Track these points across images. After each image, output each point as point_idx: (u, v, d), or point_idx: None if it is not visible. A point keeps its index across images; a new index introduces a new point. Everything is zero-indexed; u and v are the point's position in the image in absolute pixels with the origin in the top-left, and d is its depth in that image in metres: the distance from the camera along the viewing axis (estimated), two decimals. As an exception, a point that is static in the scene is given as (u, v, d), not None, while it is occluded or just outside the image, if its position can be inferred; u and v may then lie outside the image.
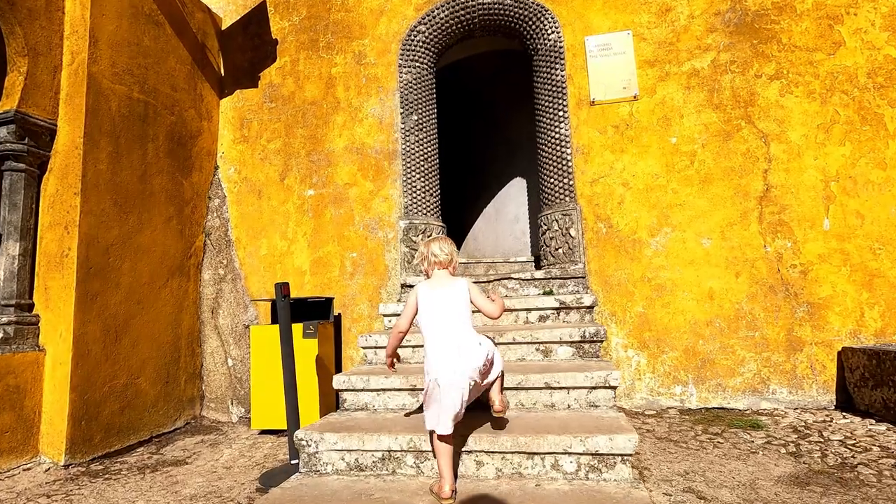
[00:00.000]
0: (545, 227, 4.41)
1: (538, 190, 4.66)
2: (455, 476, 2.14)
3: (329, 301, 4.35)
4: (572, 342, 3.17)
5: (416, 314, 2.26)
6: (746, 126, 4.06)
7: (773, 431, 3.16)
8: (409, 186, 4.65)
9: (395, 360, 2.46)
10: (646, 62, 4.32)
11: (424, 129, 4.78)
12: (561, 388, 2.69)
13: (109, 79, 3.84)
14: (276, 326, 3.92)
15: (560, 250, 4.26)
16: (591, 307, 3.63)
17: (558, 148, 4.39)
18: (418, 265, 2.42)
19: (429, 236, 4.59)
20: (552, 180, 4.41)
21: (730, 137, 4.08)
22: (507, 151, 6.22)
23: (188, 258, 4.61)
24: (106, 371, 3.63)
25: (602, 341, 3.16)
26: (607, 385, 2.66)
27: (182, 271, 4.51)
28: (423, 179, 4.69)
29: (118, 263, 3.81)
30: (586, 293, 4.06)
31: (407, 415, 2.76)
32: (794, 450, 2.83)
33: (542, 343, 3.21)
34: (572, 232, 4.20)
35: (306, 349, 3.97)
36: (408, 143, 4.71)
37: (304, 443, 2.49)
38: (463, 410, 2.09)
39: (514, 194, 6.05)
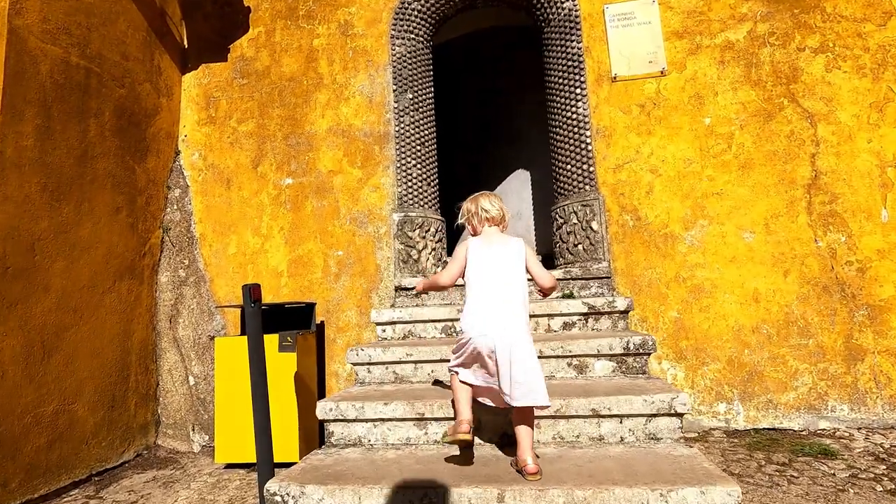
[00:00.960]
0: (561, 221, 3.84)
1: (551, 178, 4.09)
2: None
3: (310, 307, 3.69)
4: (613, 355, 2.59)
5: (463, 269, 2.02)
6: (790, 105, 3.58)
7: (851, 460, 2.63)
8: (404, 174, 4.03)
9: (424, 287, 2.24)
10: (673, 33, 3.81)
11: (421, 110, 4.17)
12: (612, 417, 2.11)
13: (39, 37, 3.13)
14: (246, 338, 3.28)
15: (580, 246, 3.69)
16: (625, 312, 3.07)
17: (576, 130, 3.83)
18: (463, 222, 2.14)
19: (427, 231, 3.98)
20: (569, 167, 3.85)
21: (771, 118, 3.58)
22: (508, 141, 5.66)
23: (141, 257, 3.89)
24: (29, 396, 2.90)
25: (650, 353, 2.59)
26: (672, 412, 2.09)
27: (134, 273, 3.79)
28: (419, 166, 4.08)
29: (47, 263, 3.08)
30: (614, 295, 3.50)
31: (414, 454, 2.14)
32: (894, 487, 2.30)
33: (575, 356, 2.62)
34: (594, 225, 3.65)
35: (283, 365, 3.30)
36: (402, 125, 4.09)
37: (278, 499, 1.84)
38: (504, 378, 1.85)
39: (517, 188, 5.50)
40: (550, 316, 3.11)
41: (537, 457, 1.85)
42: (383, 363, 2.81)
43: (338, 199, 4.07)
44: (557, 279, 3.58)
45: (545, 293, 2.05)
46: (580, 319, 3.09)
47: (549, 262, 4.93)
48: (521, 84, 5.56)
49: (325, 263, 3.99)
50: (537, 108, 5.39)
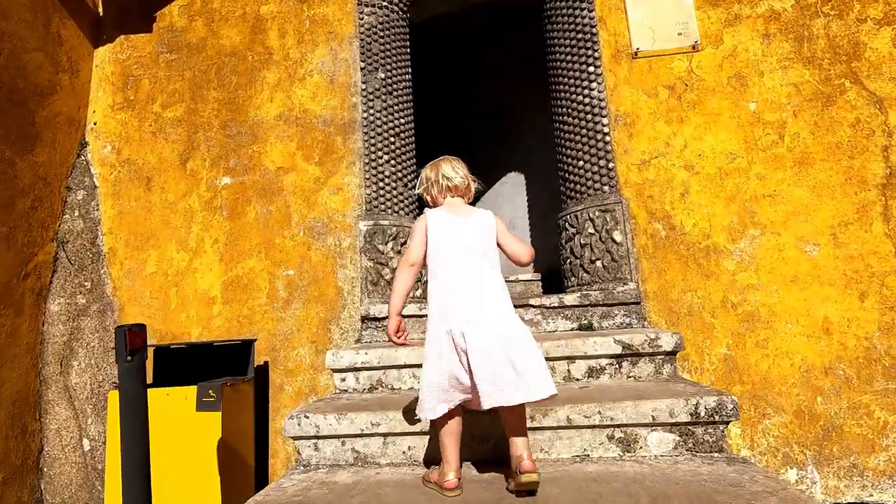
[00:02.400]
0: (573, 231, 3.05)
1: (556, 178, 3.31)
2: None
3: (248, 345, 2.78)
4: (674, 424, 1.78)
5: (426, 243, 1.66)
6: (852, 87, 2.88)
7: None
8: (374, 172, 3.18)
9: (402, 325, 1.75)
10: (707, 1, 3.10)
11: (395, 93, 3.35)
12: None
13: None
14: (157, 390, 2.37)
15: (599, 263, 2.89)
16: (672, 353, 2.26)
17: (589, 117, 3.06)
18: (421, 193, 1.80)
19: (403, 243, 3.12)
20: (581, 163, 3.07)
21: (831, 102, 2.88)
22: (497, 138, 4.89)
23: (21, 280, 2.92)
24: None
25: (729, 421, 1.77)
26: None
27: (9, 300, 2.82)
28: (393, 162, 3.24)
29: None
30: (656, 331, 2.71)
31: None
32: None
33: (617, 426, 1.79)
34: (617, 236, 2.86)
35: (203, 429, 2.39)
36: (372, 111, 3.26)
37: None
38: (485, 387, 1.48)
39: (510, 193, 4.71)
40: (570, 359, 2.28)
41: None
42: (338, 437, 1.92)
43: (289, 203, 3.19)
44: (573, 306, 2.77)
45: (520, 265, 1.76)
46: (611, 363, 2.27)
47: (553, 281, 4.13)
48: (512, 72, 4.80)
49: (271, 286, 3.09)
50: (532, 100, 4.65)
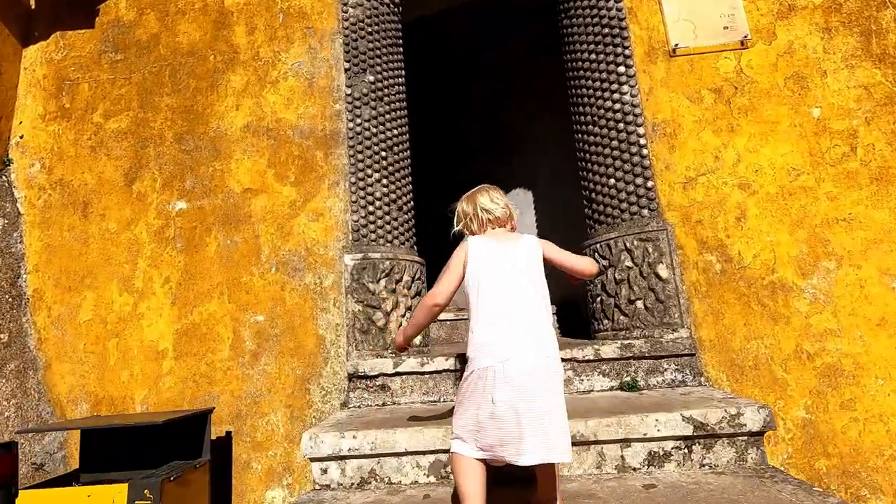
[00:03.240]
0: (603, 263, 2.52)
1: (570, 193, 2.79)
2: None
3: (203, 418, 2.17)
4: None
5: (462, 278, 1.46)
6: (933, 89, 2.42)
7: None
8: (363, 194, 2.63)
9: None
10: (754, -10, 2.63)
11: (387, 98, 2.81)
12: None
13: None
14: (76, 490, 1.81)
15: (639, 303, 2.36)
16: (759, 434, 1.72)
17: (620, 125, 2.55)
18: (461, 229, 1.59)
19: (399, 280, 2.56)
20: (610, 181, 2.55)
21: (909, 107, 2.41)
22: (498, 151, 4.37)
23: (-89, 336, 2.29)
24: None
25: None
26: None
27: None
28: (385, 181, 2.69)
29: None
30: (705, 384, 2.18)
31: None
32: None
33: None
34: (662, 271, 2.33)
35: (136, 543, 1.78)
36: (359, 120, 2.71)
37: None
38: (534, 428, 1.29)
39: (528, 206, 4.19)
40: (625, 442, 1.73)
41: None
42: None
43: (258, 232, 2.61)
44: (611, 359, 2.23)
45: (586, 277, 1.57)
46: (679, 447, 1.73)
47: (569, 315, 3.60)
48: (514, 80, 4.30)
49: (235, 336, 2.50)
50: (539, 111, 4.15)
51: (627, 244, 2.42)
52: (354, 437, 1.81)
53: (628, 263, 2.41)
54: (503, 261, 1.43)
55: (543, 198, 4.06)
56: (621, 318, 2.42)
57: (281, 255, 2.57)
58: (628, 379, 2.22)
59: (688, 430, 1.71)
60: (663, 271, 2.33)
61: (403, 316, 2.54)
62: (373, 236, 2.61)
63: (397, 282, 2.56)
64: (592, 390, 2.24)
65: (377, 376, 2.34)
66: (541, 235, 3.71)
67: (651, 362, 2.23)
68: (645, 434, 1.72)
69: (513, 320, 1.36)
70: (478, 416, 1.31)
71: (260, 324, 2.50)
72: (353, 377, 2.36)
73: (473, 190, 1.61)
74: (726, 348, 2.26)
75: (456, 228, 1.61)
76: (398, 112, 2.87)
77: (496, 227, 1.54)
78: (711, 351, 2.26)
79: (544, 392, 1.29)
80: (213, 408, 2.26)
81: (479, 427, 1.31)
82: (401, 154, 2.83)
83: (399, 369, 2.32)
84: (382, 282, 2.51)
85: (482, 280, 1.42)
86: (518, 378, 1.29)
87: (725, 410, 1.72)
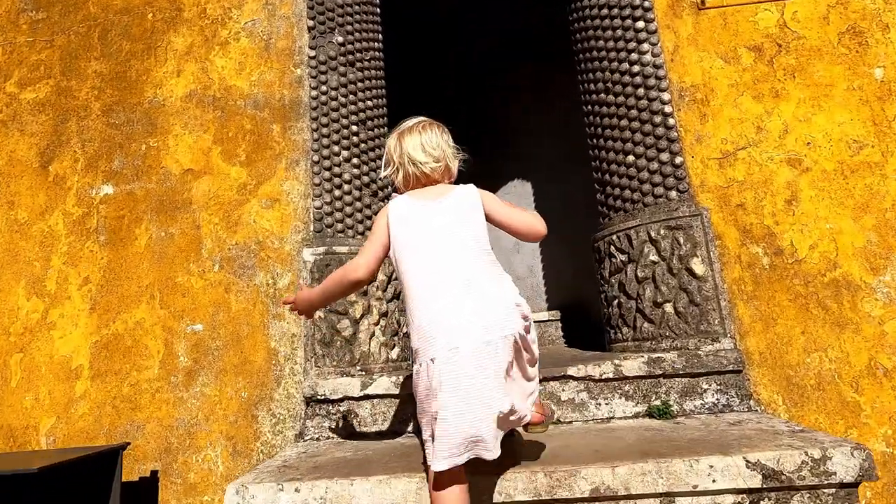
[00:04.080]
0: (621, 257, 2.06)
1: (593, 179, 2.33)
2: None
3: (113, 456, 1.68)
4: None
5: (386, 248, 1.23)
6: None
7: None
8: (328, 175, 2.16)
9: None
10: (796, -69, 2.19)
11: (359, 64, 2.35)
12: None
13: None
14: None
15: (669, 307, 1.89)
16: (853, 485, 1.25)
17: (640, 91, 2.10)
18: (389, 175, 1.32)
19: (372, 280, 2.09)
20: (628, 157, 2.10)
21: None
22: (493, 139, 3.91)
23: None
24: None
25: None
26: None
27: None
28: (356, 161, 2.22)
29: None
30: (756, 408, 1.71)
31: None
32: None
33: None
34: (696, 266, 1.87)
35: None
36: (325, 87, 2.25)
37: None
38: (493, 432, 1.07)
39: (511, 195, 3.73)
40: (667, 497, 1.25)
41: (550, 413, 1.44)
42: None
43: (199, 222, 2.13)
44: (637, 377, 1.76)
45: (532, 238, 1.27)
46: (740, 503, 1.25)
47: (575, 320, 3.13)
48: (506, 55, 3.85)
49: (167, 349, 2.01)
50: (536, 91, 3.70)
51: (652, 234, 1.96)
52: (297, 489, 1.33)
53: (653, 257, 1.95)
54: (431, 219, 1.18)
55: (541, 193, 3.59)
56: (645, 325, 1.95)
57: (226, 249, 2.10)
58: (658, 403, 1.75)
59: (754, 481, 1.24)
60: (698, 266, 1.87)
61: (377, 324, 2.07)
62: (340, 227, 2.14)
63: (370, 282, 2.08)
64: (613, 417, 1.76)
65: (341, 400, 1.86)
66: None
67: (686, 381, 1.77)
68: (695, 486, 1.24)
69: (445, 289, 1.11)
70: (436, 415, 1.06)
71: (198, 334, 2.01)
72: (311, 401, 1.88)
73: (406, 124, 1.29)
74: (781, 363, 1.79)
75: (384, 173, 1.33)
76: (373, 81, 2.41)
77: (423, 185, 1.26)
78: (762, 366, 1.80)
79: (479, 367, 1.06)
80: (127, 444, 1.76)
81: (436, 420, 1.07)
82: (377, 130, 2.36)
83: (368, 391, 1.85)
84: (350, 282, 2.03)
85: (408, 246, 1.17)
86: (465, 369, 1.06)
87: (805, 453, 1.25)
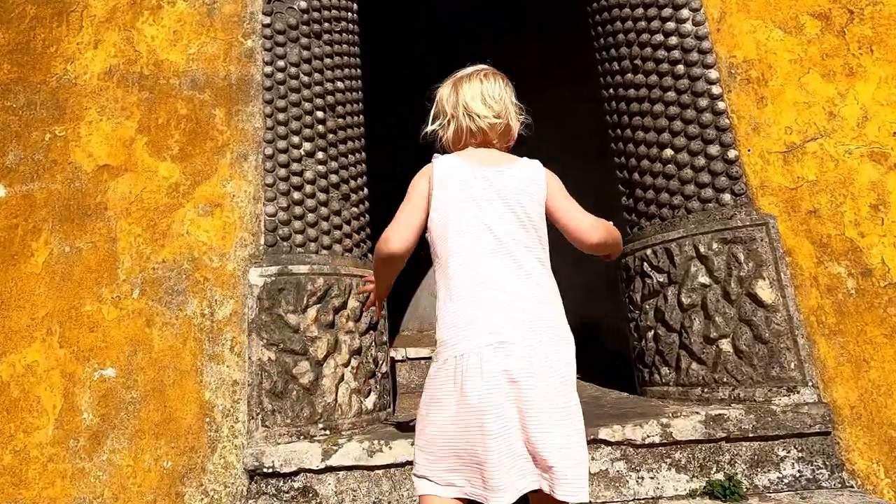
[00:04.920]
0: (658, 278, 1.62)
1: (611, 180, 1.90)
2: None
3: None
4: None
5: (426, 214, 0.98)
6: None
7: None
8: (285, 173, 1.69)
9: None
10: None
11: (327, 37, 1.89)
12: None
13: None
14: None
15: (724, 343, 1.45)
16: None
17: (679, 68, 1.68)
18: (435, 130, 1.08)
19: (341, 308, 1.62)
20: (666, 151, 1.67)
21: None
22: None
23: None
24: None
25: None
26: None
27: None
28: (322, 156, 1.76)
29: None
30: (851, 484, 1.27)
31: None
32: None
33: None
34: (763, 292, 1.43)
35: None
36: (282, 64, 1.79)
37: None
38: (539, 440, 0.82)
39: None
40: None
41: None
42: None
43: (116, 233, 1.65)
44: (690, 441, 1.31)
45: (584, 247, 1.01)
46: None
47: (588, 342, 2.70)
48: (517, 43, 3.41)
49: (66, 402, 1.51)
50: (537, 70, 3.25)
51: (700, 248, 1.52)
52: None
53: (704, 279, 1.51)
54: (484, 193, 0.95)
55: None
56: (694, 366, 1.51)
57: (150, 269, 1.61)
58: (721, 477, 1.31)
59: None
60: (765, 292, 1.43)
61: (347, 365, 1.60)
62: (299, 239, 1.66)
63: (337, 310, 1.61)
64: (661, 497, 1.31)
65: (296, 473, 1.39)
66: (550, 244, 2.78)
67: (757, 446, 1.33)
68: None
69: (492, 284, 0.90)
70: (445, 428, 0.85)
71: (109, 382, 1.52)
72: (255, 474, 1.40)
73: (463, 71, 1.07)
74: (879, 419, 1.36)
75: (429, 128, 1.09)
76: (346, 58, 1.95)
77: (477, 145, 1.03)
78: (855, 425, 1.36)
79: (549, 407, 0.82)
80: (-12, 548, 1.27)
81: (448, 443, 0.84)
82: (349, 118, 1.90)
83: (333, 461, 1.37)
84: (312, 311, 1.56)
85: (451, 222, 0.94)
86: (510, 377, 0.82)
87: None
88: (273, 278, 1.56)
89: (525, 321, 0.86)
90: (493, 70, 1.05)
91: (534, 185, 0.97)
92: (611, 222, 1.05)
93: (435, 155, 1.02)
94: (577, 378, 2.52)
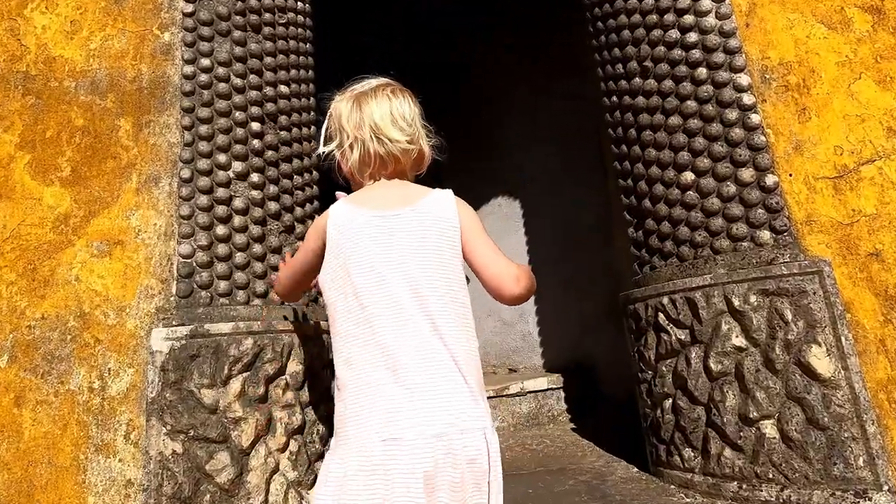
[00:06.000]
0: (678, 334, 1.28)
1: (590, 181, 1.56)
2: None
3: None
4: None
5: (313, 264, 0.90)
6: None
7: None
8: (206, 202, 1.33)
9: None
10: None
11: (268, 29, 1.54)
12: None
13: None
14: None
15: (768, 426, 1.12)
16: None
17: (699, 71, 1.36)
18: (331, 152, 0.93)
19: (276, 376, 1.26)
20: (688, 176, 1.34)
21: None
22: (476, 146, 3.12)
23: None
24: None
25: None
26: None
27: None
28: (258, 178, 1.40)
29: None
30: None
31: None
32: None
33: None
34: (817, 361, 1.11)
35: None
36: (207, 63, 1.43)
37: None
38: None
39: (495, 229, 2.89)
40: None
41: None
42: None
43: (-18, 280, 1.27)
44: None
45: (504, 300, 0.85)
46: None
47: (579, 383, 2.38)
48: (491, 39, 3.07)
49: None
50: (517, 63, 2.92)
51: (734, 301, 1.20)
52: None
53: (738, 341, 1.19)
54: (387, 245, 0.80)
55: (532, 214, 2.79)
56: (727, 452, 1.18)
57: (25, 328, 1.24)
58: None
59: None
60: (821, 361, 1.11)
61: (283, 450, 1.24)
62: (223, 286, 1.30)
63: (271, 379, 1.25)
64: None
65: None
66: (534, 256, 2.42)
67: (820, 575, 0.99)
68: None
69: (392, 358, 0.74)
70: None
71: (-40, 484, 1.14)
72: None
73: (365, 85, 0.90)
74: (975, 535, 1.04)
75: (324, 149, 0.92)
76: (293, 57, 1.60)
77: (389, 175, 0.88)
78: (945, 543, 1.04)
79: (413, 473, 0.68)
80: None
81: None
82: (296, 130, 1.55)
83: None
84: (235, 383, 1.20)
85: (338, 282, 0.81)
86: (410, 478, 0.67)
87: None
88: (184, 341, 1.19)
89: (422, 402, 0.72)
90: (400, 86, 0.92)
91: (443, 222, 0.84)
92: (528, 266, 0.91)
93: (337, 193, 0.91)
94: (572, 426, 2.15)
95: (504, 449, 1.95)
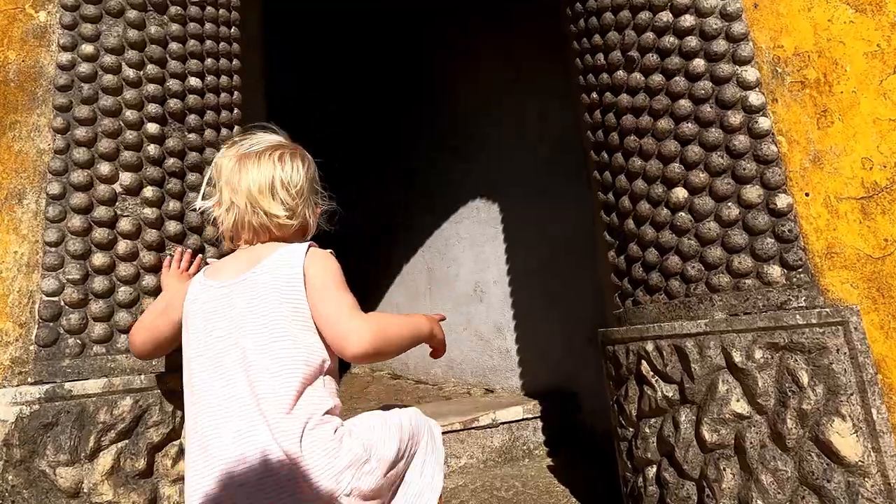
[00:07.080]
0: (666, 392, 1.04)
1: (578, 227, 1.31)
2: None
3: None
4: None
5: (174, 328, 0.88)
6: None
7: None
8: (81, 223, 1.06)
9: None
10: None
11: (175, 9, 1.26)
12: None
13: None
14: None
15: (780, 523, 0.88)
16: None
17: (696, 63, 1.09)
18: (207, 210, 0.96)
19: (162, 445, 1.00)
20: (679, 194, 1.08)
21: None
22: (448, 142, 2.84)
23: None
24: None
25: None
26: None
27: None
28: (153, 193, 1.13)
29: None
30: None
31: None
32: None
33: None
34: (841, 440, 0.86)
35: None
36: (90, 50, 1.16)
37: None
38: None
39: (472, 235, 2.61)
40: None
41: None
42: None
43: None
44: None
45: (347, 359, 0.82)
46: None
47: (560, 410, 2.14)
48: (468, 31, 2.79)
49: None
50: (496, 74, 2.65)
51: (734, 355, 0.95)
52: None
53: (739, 407, 0.94)
54: (224, 316, 0.79)
55: (513, 222, 2.52)
56: (724, 547, 0.94)
57: None
58: None
59: None
60: (846, 440, 0.86)
61: (172, 536, 0.99)
62: (99, 330, 1.04)
63: (157, 448, 1.00)
64: None
65: None
66: (514, 275, 2.17)
67: None
68: None
69: (232, 432, 0.72)
70: None
71: None
72: None
73: (253, 143, 0.88)
74: None
75: (200, 204, 0.95)
76: (209, 43, 1.33)
77: (265, 241, 0.86)
78: None
79: None
80: None
81: None
82: (209, 133, 1.28)
83: None
84: (106, 457, 0.96)
85: (189, 352, 0.81)
86: None
87: None
88: (35, 407, 0.94)
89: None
90: (293, 148, 0.88)
91: (280, 280, 0.80)
92: (386, 318, 0.89)
93: (209, 259, 0.94)
94: (550, 461, 1.90)
95: (468, 495, 1.72)
